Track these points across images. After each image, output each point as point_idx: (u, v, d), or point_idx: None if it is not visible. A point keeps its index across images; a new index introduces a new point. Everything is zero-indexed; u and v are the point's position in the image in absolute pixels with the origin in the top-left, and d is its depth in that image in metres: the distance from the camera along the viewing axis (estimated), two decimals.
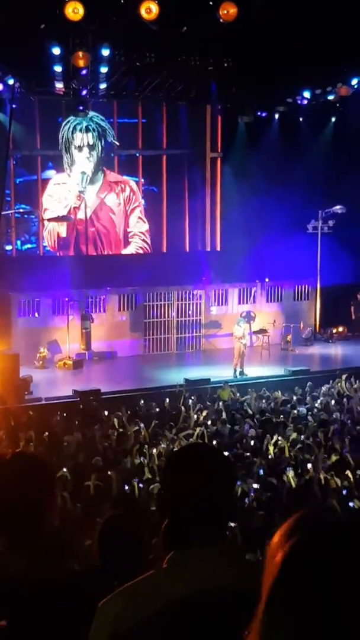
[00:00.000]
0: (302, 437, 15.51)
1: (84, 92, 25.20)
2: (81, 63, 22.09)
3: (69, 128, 26.83)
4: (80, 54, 21.71)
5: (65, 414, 17.74)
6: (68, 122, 26.76)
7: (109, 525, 4.09)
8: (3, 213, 21.99)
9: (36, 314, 24.64)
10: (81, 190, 26.80)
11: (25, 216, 26.77)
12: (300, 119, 28.79)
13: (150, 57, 23.00)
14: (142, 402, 18.93)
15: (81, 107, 25.68)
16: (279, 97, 27.85)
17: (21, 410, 17.93)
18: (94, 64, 22.94)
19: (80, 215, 26.91)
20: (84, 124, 26.92)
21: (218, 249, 29.94)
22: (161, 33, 20.49)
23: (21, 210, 25.88)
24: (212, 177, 29.76)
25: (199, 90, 26.67)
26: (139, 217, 28.70)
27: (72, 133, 26.92)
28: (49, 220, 26.94)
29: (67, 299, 24.44)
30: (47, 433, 15.79)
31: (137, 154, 28.58)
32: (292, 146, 27.82)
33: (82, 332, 24.46)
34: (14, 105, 22.89)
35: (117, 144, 27.56)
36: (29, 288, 23.95)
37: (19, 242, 27.24)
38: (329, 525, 1.56)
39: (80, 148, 27.01)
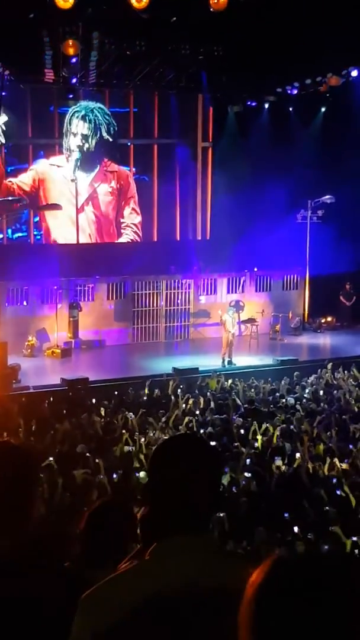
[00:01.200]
0: (291, 426, 15.56)
1: (74, 81, 25.15)
2: (71, 51, 22.02)
3: (70, 113, 26.84)
4: (70, 42, 21.65)
5: (53, 403, 17.75)
6: (72, 108, 26.81)
7: (98, 512, 4.09)
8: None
9: (25, 303, 24.60)
10: (73, 179, 26.83)
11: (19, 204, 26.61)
12: (290, 109, 28.77)
13: (140, 46, 22.95)
14: (131, 390, 18.95)
15: (71, 95, 25.64)
16: (269, 87, 27.83)
17: (9, 399, 17.93)
18: (84, 53, 22.85)
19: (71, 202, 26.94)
20: (82, 112, 26.89)
21: (207, 238, 29.95)
22: (151, 22, 20.42)
23: (10, 198, 25.76)
24: (202, 167, 29.75)
25: (189, 79, 26.59)
26: (133, 209, 28.69)
27: (71, 119, 26.89)
28: (40, 208, 26.89)
29: (55, 287, 24.40)
30: (34, 421, 15.80)
31: (129, 143, 28.53)
32: (281, 136, 27.80)
33: (70, 321, 24.45)
34: (3, 93, 22.78)
35: (110, 139, 27.46)
36: (17, 276, 23.92)
37: (9, 231, 27.18)
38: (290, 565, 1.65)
39: (74, 135, 26.97)
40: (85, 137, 27.03)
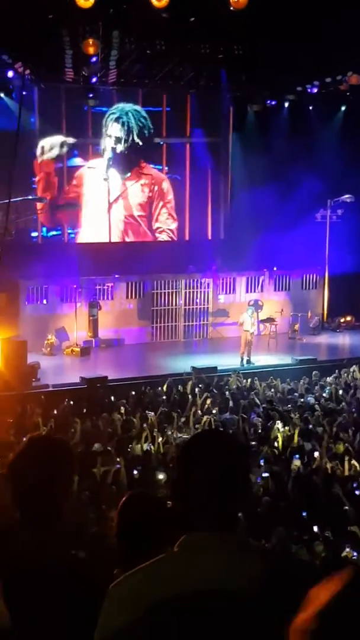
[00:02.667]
0: (310, 426, 15.53)
1: (94, 80, 25.19)
2: (91, 50, 22.08)
3: (107, 115, 27.02)
4: (91, 41, 21.70)
5: (72, 401, 17.80)
6: (110, 110, 27.01)
7: (131, 502, 4.08)
8: (13, 200, 22.00)
9: (44, 301, 24.68)
10: (105, 177, 26.94)
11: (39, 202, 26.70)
12: (310, 108, 28.70)
13: (160, 45, 22.98)
14: (149, 389, 18.97)
15: (91, 95, 25.69)
16: (289, 86, 27.77)
17: (29, 397, 18.00)
18: (104, 52, 22.90)
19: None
20: (117, 114, 27.00)
21: (222, 237, 29.90)
22: (171, 20, 20.45)
23: (30, 197, 25.84)
24: (221, 166, 29.70)
25: (209, 78, 26.62)
26: (170, 214, 28.75)
27: (107, 121, 27.05)
28: (58, 207, 26.99)
29: (75, 286, 24.47)
30: (53, 420, 15.86)
31: (161, 142, 28.65)
32: (301, 135, 27.73)
33: (90, 320, 24.51)
34: (24, 93, 22.87)
35: (141, 143, 27.49)
36: (37, 275, 24.00)
37: (44, 229, 27.33)
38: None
39: (109, 137, 27.10)
40: (118, 140, 27.12)
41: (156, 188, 28.46)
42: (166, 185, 28.74)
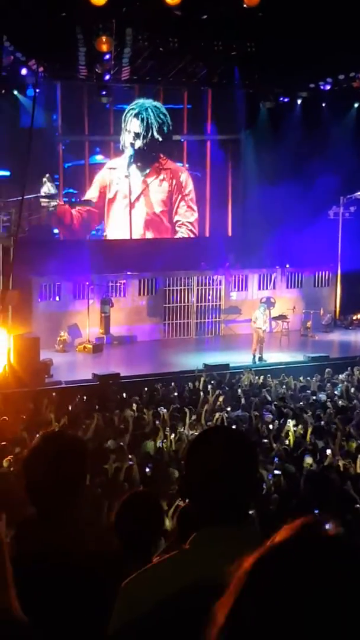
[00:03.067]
0: (322, 423, 15.53)
1: (107, 77, 25.22)
2: (105, 48, 22.11)
3: (126, 111, 27.16)
4: (104, 38, 21.73)
5: (84, 398, 17.85)
6: (130, 105, 27.15)
7: (130, 502, 4.12)
8: (26, 197, 22.06)
9: (57, 298, 24.74)
10: (126, 174, 27.00)
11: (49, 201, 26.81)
12: (323, 105, 28.65)
13: (173, 42, 22.99)
14: (161, 386, 19.00)
15: (104, 92, 25.74)
16: (302, 83, 27.74)
17: (42, 393, 18.05)
18: (117, 49, 22.94)
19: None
20: (137, 110, 27.08)
21: (232, 234, 29.88)
22: (184, 18, 20.45)
23: (43, 194, 25.91)
24: (233, 163, 29.69)
25: (222, 76, 26.62)
26: (189, 207, 28.77)
27: (126, 116, 27.17)
28: (70, 205, 27.08)
29: (87, 283, 24.52)
30: (66, 416, 15.91)
31: (182, 139, 28.73)
32: (314, 132, 27.68)
33: (102, 317, 24.55)
34: (37, 90, 22.94)
35: (161, 139, 27.52)
36: (50, 272, 24.07)
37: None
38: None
39: (128, 132, 27.18)
40: (137, 135, 27.20)
41: (174, 182, 28.49)
42: (184, 177, 28.76)
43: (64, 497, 2.97)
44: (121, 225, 27.82)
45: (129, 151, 27.23)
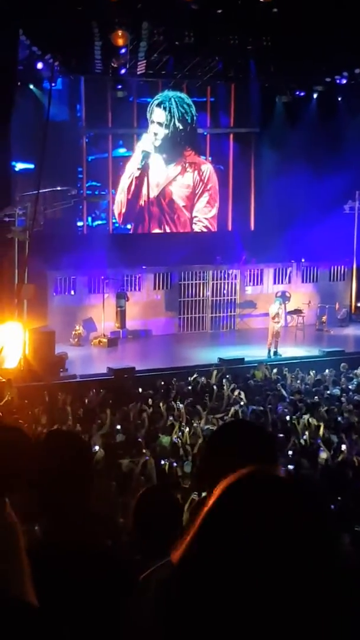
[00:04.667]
0: (338, 418, 15.51)
1: (123, 71, 25.22)
2: (121, 42, 22.09)
3: (151, 102, 27.23)
4: (120, 32, 21.71)
5: (99, 392, 17.88)
6: (155, 97, 27.25)
7: (146, 497, 4.14)
8: (42, 191, 22.09)
9: (72, 292, 24.79)
10: (139, 167, 27.02)
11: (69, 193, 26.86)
12: (339, 99, 28.55)
13: (189, 37, 22.96)
14: (176, 381, 19.02)
15: (120, 86, 25.75)
16: (318, 77, 27.65)
17: (57, 387, 18.10)
18: (133, 43, 22.93)
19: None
20: (160, 100, 27.13)
21: (253, 228, 29.87)
22: (200, 12, 20.43)
23: (59, 188, 25.91)
24: (248, 157, 29.62)
25: (238, 70, 26.57)
26: (209, 202, 28.77)
27: (152, 107, 27.22)
28: (85, 199, 27.12)
29: (103, 277, 24.55)
30: (81, 410, 15.95)
31: (205, 132, 28.73)
32: (330, 126, 27.61)
33: (117, 311, 24.58)
34: (53, 85, 22.97)
35: (181, 127, 27.51)
36: (65, 266, 24.11)
37: (89, 219, 27.55)
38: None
39: (152, 123, 27.23)
40: (160, 124, 27.19)
41: (197, 175, 28.45)
42: (208, 171, 28.70)
43: (68, 492, 2.99)
44: (140, 218, 27.82)
45: (156, 141, 27.15)
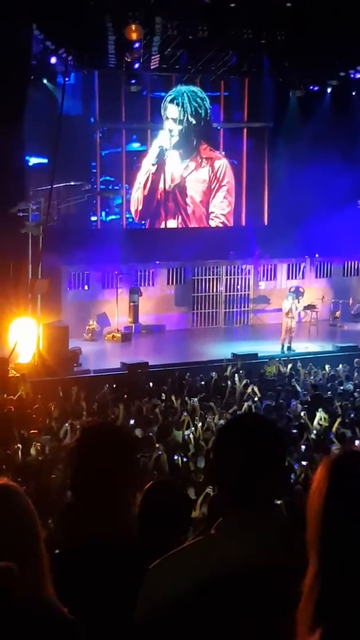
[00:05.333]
0: (352, 414, 15.47)
1: (137, 66, 25.19)
2: (134, 36, 22.08)
3: (165, 98, 27.12)
4: (133, 27, 21.70)
5: (113, 387, 17.90)
6: (168, 92, 27.11)
7: (153, 492, 4.12)
8: (55, 186, 22.09)
9: (86, 287, 24.82)
10: (153, 163, 26.99)
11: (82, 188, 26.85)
12: (353, 93, 28.43)
13: (202, 31, 22.93)
14: (189, 376, 19.02)
15: (133, 81, 25.72)
16: (332, 71, 27.54)
17: (70, 382, 18.13)
18: (147, 38, 22.91)
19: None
20: (173, 95, 27.06)
21: (266, 223, 29.80)
22: (214, 6, 20.38)
23: (72, 183, 25.91)
24: (261, 151, 29.53)
25: (251, 64, 26.50)
26: (225, 197, 28.71)
27: (165, 103, 27.12)
28: (99, 194, 27.12)
29: (116, 272, 24.57)
30: (95, 405, 15.97)
31: (219, 127, 28.71)
32: (344, 120, 27.49)
33: (130, 306, 24.60)
34: (67, 79, 22.95)
35: (194, 122, 27.46)
36: (79, 261, 24.13)
37: (103, 214, 27.57)
38: None
39: (167, 119, 27.16)
40: (174, 120, 27.14)
41: (211, 170, 28.40)
42: (223, 166, 28.63)
43: (111, 486, 3.00)
44: (156, 214, 27.80)
45: (173, 137, 27.11)
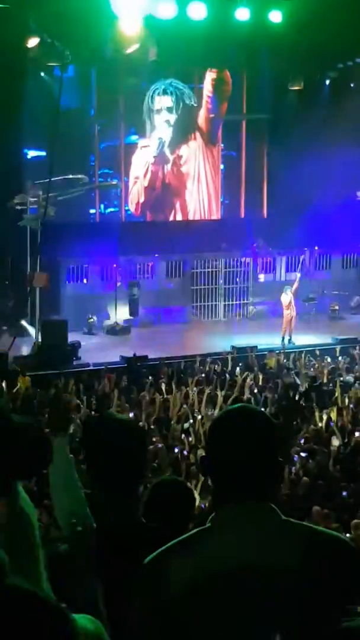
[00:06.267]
0: (352, 406, 15.47)
1: (135, 58, 25.04)
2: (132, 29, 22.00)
3: (149, 94, 26.88)
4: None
5: (112, 380, 17.88)
6: (150, 89, 26.87)
7: (156, 492, 4.10)
8: (54, 179, 22.08)
9: (85, 280, 24.79)
10: (155, 155, 26.89)
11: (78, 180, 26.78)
12: (352, 85, 28.35)
13: None
14: (189, 368, 19.01)
15: (131, 73, 25.63)
16: (331, 62, 27.47)
17: (69, 376, 18.12)
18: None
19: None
20: (162, 87, 26.90)
21: (265, 216, 29.73)
22: None
23: (70, 176, 25.86)
24: (260, 143, 29.41)
25: (249, 56, 26.41)
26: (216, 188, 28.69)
27: (152, 98, 26.92)
28: (96, 187, 27.02)
29: (115, 265, 24.55)
30: (94, 398, 15.96)
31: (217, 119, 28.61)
32: (343, 112, 27.38)
33: (130, 299, 24.59)
34: (64, 72, 22.92)
35: (195, 105, 27.40)
36: (77, 254, 24.10)
37: (102, 206, 27.48)
38: None
39: (159, 111, 26.98)
40: (169, 110, 26.99)
41: (207, 159, 28.27)
42: (217, 155, 28.51)
43: (132, 476, 3.17)
44: (156, 206, 27.75)
45: (160, 133, 27.05)
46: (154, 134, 27.06)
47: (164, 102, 26.98)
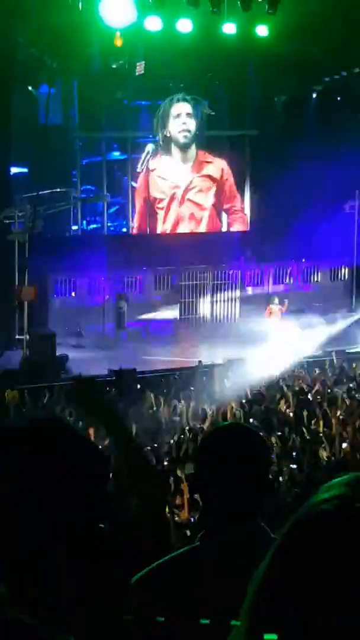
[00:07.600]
0: (340, 415, 15.45)
1: (119, 73, 25.13)
2: (119, 43, 22.12)
3: (166, 102, 26.89)
4: (118, 34, 21.76)
5: (101, 392, 17.82)
6: (165, 100, 26.93)
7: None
8: (41, 193, 22.11)
9: (73, 294, 24.78)
10: (140, 170, 26.99)
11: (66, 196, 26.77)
12: (338, 98, 28.48)
13: None
14: (178, 381, 18.98)
15: (118, 88, 25.72)
16: (317, 76, 27.61)
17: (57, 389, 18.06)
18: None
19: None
20: (179, 95, 26.95)
21: (248, 229, 29.77)
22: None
23: (58, 190, 25.86)
24: (243, 156, 29.45)
25: (236, 69, 26.53)
26: (222, 199, 28.85)
27: (169, 105, 26.92)
28: (82, 200, 27.01)
29: (103, 278, 24.56)
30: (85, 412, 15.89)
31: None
32: (330, 124, 27.54)
33: (117, 312, 24.58)
34: (51, 88, 22.97)
35: (213, 113, 27.43)
36: (65, 268, 24.08)
37: (84, 222, 27.44)
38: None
39: (177, 116, 26.94)
40: (189, 116, 27.05)
41: (219, 171, 28.43)
42: (222, 168, 28.62)
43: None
44: (153, 219, 27.80)
45: (186, 138, 27.04)
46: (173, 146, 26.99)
47: (184, 107, 26.98)
